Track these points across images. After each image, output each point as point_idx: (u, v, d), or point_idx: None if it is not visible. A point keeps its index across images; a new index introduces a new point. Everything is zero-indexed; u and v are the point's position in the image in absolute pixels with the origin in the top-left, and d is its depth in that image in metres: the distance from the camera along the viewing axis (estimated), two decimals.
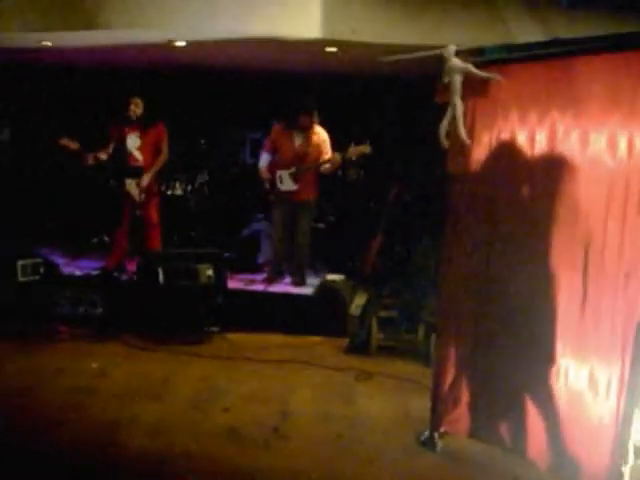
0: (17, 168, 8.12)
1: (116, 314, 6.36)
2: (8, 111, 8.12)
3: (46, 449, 3.98)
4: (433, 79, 3.89)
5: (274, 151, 7.18)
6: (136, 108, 7.13)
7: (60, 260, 7.42)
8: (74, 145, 7.05)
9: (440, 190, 4.17)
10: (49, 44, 7.04)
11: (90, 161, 7.11)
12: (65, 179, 8.36)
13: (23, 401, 4.66)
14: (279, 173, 7.08)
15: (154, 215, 7.32)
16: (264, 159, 7.22)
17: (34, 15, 5.93)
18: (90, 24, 6.08)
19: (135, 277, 6.74)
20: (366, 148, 6.84)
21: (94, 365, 5.41)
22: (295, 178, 7.02)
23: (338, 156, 6.93)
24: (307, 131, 7.02)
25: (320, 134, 7.06)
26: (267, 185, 7.17)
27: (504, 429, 3.89)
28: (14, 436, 4.10)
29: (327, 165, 7.00)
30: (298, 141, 7.06)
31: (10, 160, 8.53)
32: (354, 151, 6.87)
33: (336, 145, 7.03)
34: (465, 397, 4.09)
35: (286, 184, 7.06)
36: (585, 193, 3.40)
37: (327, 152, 7.02)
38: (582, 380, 3.48)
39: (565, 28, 4.50)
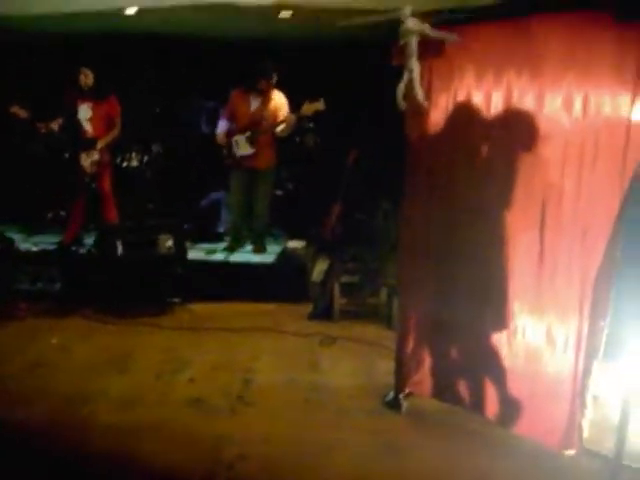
0: None
1: (75, 289, 6.28)
2: None
3: (13, 429, 3.94)
4: (389, 42, 3.87)
5: (232, 118, 7.12)
6: (86, 79, 6.97)
7: (16, 236, 7.28)
8: (24, 113, 6.88)
9: (398, 153, 4.17)
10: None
11: (42, 129, 6.96)
12: (18, 152, 8.16)
13: None
14: (235, 138, 7.03)
15: (107, 186, 7.20)
16: (222, 126, 7.17)
17: None
18: None
19: (93, 250, 6.65)
20: (320, 105, 6.79)
21: (54, 341, 5.35)
22: (251, 142, 6.97)
23: (292, 116, 6.89)
24: (264, 95, 6.96)
25: (278, 98, 7.01)
26: (225, 151, 7.11)
27: (463, 389, 3.97)
28: None
29: (282, 126, 6.94)
30: (255, 104, 7.01)
31: None
32: (308, 108, 6.82)
33: (293, 107, 6.98)
34: (427, 359, 4.15)
35: (242, 148, 7.02)
36: (542, 152, 3.44)
37: (284, 115, 6.97)
38: (540, 336, 3.56)
39: None
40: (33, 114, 6.92)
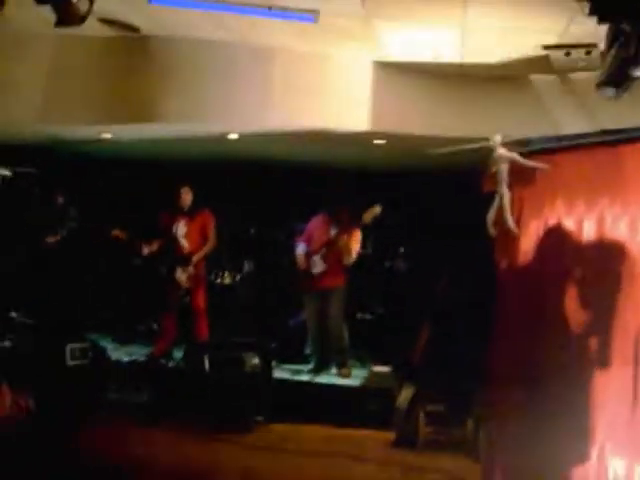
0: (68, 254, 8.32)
1: (162, 401, 6.33)
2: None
3: None
4: (479, 171, 3.92)
5: (310, 240, 7.28)
6: (186, 196, 7.31)
7: (108, 345, 7.48)
8: (124, 235, 7.27)
9: (489, 282, 4.13)
10: (108, 136, 7.31)
11: (146, 251, 7.29)
12: (115, 267, 8.52)
13: None
14: (312, 259, 7.17)
15: (201, 302, 7.39)
16: (301, 247, 7.34)
17: (93, 109, 6.18)
18: (148, 117, 6.32)
19: (181, 364, 6.74)
20: (377, 209, 6.90)
21: (138, 451, 5.35)
22: (324, 258, 7.08)
23: (357, 231, 7.04)
24: (344, 224, 7.10)
25: (355, 235, 7.12)
26: (301, 274, 7.26)
27: None
28: None
29: (354, 249, 7.06)
30: (333, 231, 7.14)
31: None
32: (367, 216, 6.93)
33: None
34: None
35: (318, 266, 7.13)
36: (635, 283, 3.32)
37: (355, 246, 7.10)
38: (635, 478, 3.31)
39: (611, 119, 4.50)
40: (132, 236, 7.29)
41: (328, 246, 7.11)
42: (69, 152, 8.37)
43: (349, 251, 7.04)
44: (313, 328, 7.36)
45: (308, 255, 7.25)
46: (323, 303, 7.19)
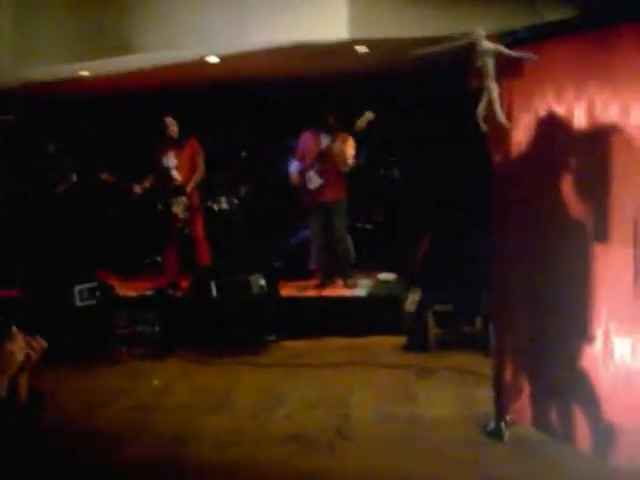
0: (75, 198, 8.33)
1: (173, 331, 6.43)
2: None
3: (114, 467, 4.04)
4: (465, 67, 3.85)
5: (302, 158, 7.23)
6: (172, 127, 7.25)
7: (115, 282, 7.54)
8: (114, 179, 7.26)
9: (485, 178, 4.11)
10: (86, 74, 7.17)
11: (137, 190, 7.28)
12: (114, 205, 8.51)
13: (89, 421, 4.75)
14: (307, 174, 7.12)
15: (200, 230, 7.43)
16: (294, 166, 7.31)
17: (67, 46, 6.05)
18: (125, 49, 6.19)
19: (189, 293, 6.81)
20: (369, 115, 6.84)
21: (155, 382, 5.48)
22: (320, 173, 7.04)
23: (350, 138, 6.99)
24: (334, 133, 7.03)
25: (346, 139, 7.05)
26: (299, 190, 7.24)
27: (560, 418, 3.80)
28: (82, 455, 4.16)
29: (360, 123, 6.95)
30: (325, 142, 7.08)
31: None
32: (360, 122, 6.87)
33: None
34: (526, 386, 4.02)
35: (314, 181, 7.11)
36: (630, 165, 3.31)
37: (350, 151, 7.05)
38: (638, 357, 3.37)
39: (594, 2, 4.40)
40: (121, 178, 7.27)
41: (321, 158, 7.05)
42: (47, 95, 8.22)
43: (344, 157, 6.99)
44: (319, 242, 7.37)
45: (302, 172, 7.21)
46: (327, 217, 7.20)
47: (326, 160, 7.03)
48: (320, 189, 7.11)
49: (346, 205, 7.24)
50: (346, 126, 7.00)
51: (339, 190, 7.16)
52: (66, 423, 4.55)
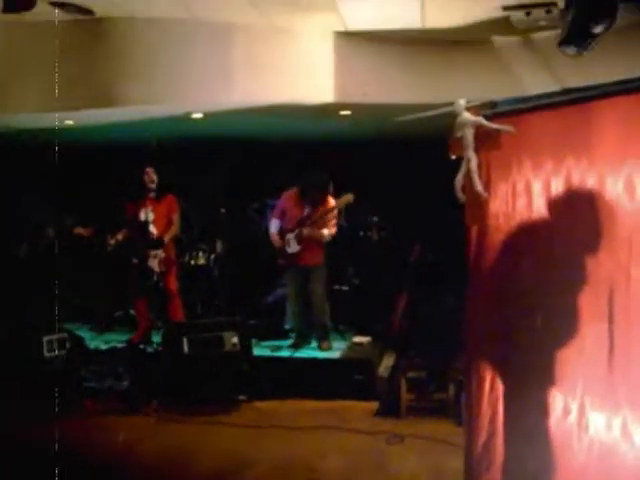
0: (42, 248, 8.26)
1: (143, 386, 6.31)
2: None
3: None
4: (446, 136, 3.90)
5: (282, 217, 7.24)
6: (152, 176, 7.26)
7: (86, 335, 7.43)
8: (88, 232, 7.22)
9: (460, 246, 4.13)
10: (71, 123, 7.19)
11: (111, 243, 7.23)
12: (87, 257, 8.45)
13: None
14: (287, 237, 7.13)
15: (173, 285, 7.37)
16: (274, 225, 7.29)
17: (52, 95, 6.06)
18: (108, 102, 6.21)
19: (160, 348, 6.71)
20: (349, 197, 6.95)
21: (121, 438, 5.34)
22: (298, 239, 7.05)
23: (322, 213, 7.03)
24: (319, 203, 7.07)
25: (329, 203, 7.09)
26: (278, 251, 7.22)
27: None
28: None
29: (325, 231, 7.04)
30: (307, 210, 7.10)
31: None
32: (339, 203, 7.02)
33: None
34: (498, 458, 3.96)
35: (292, 246, 7.11)
36: (606, 239, 3.34)
37: (332, 220, 7.09)
38: (614, 432, 3.35)
39: (573, 77, 4.51)
40: (96, 230, 7.24)
41: (302, 224, 7.07)
42: (28, 141, 8.21)
43: (323, 234, 7.04)
44: (295, 304, 7.35)
45: (282, 232, 7.21)
46: (305, 280, 7.17)
47: (304, 225, 7.04)
48: (298, 254, 7.11)
49: (325, 269, 7.24)
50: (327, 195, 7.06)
51: (317, 255, 7.16)
52: None
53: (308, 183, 7.10)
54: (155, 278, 7.20)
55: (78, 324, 7.83)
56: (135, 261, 7.22)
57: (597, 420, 3.40)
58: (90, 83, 6.08)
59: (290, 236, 7.11)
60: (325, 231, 7.04)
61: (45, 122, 6.96)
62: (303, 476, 4.63)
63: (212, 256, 8.53)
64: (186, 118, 7.08)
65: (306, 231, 6.98)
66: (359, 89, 5.98)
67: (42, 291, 7.79)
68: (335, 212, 7.11)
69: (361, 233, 8.57)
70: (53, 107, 6.09)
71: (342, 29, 5.92)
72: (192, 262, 8.40)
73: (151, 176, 7.27)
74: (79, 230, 7.26)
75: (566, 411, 3.53)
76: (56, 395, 5.86)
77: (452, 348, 5.74)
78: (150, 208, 7.28)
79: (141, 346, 7.06)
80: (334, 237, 7.15)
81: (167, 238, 7.29)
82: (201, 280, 8.36)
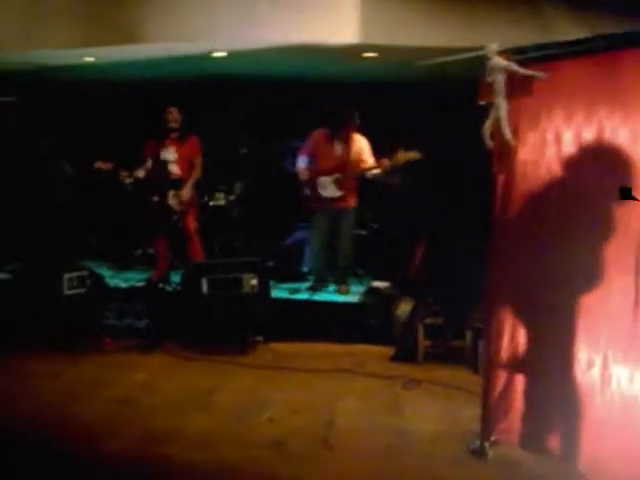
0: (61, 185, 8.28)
1: (161, 325, 6.38)
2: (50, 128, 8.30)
3: (92, 461, 3.98)
4: (475, 81, 3.81)
5: (313, 156, 7.17)
6: (175, 115, 7.17)
7: (106, 273, 7.48)
8: (108, 167, 7.16)
9: (485, 193, 4.07)
10: (92, 59, 7.12)
11: (126, 180, 7.19)
12: (109, 194, 8.45)
13: (70, 412, 4.68)
14: (321, 179, 7.07)
15: (192, 225, 7.36)
16: (302, 161, 7.25)
17: (75, 31, 5.99)
18: (131, 38, 6.13)
19: (179, 288, 6.75)
20: (415, 155, 6.79)
21: (140, 376, 5.42)
22: (339, 185, 7.01)
23: (387, 162, 6.88)
24: (347, 140, 7.00)
25: (360, 141, 7.05)
26: (307, 189, 7.16)
27: (554, 439, 3.77)
28: (61, 447, 4.11)
29: (376, 171, 6.96)
30: (339, 149, 7.05)
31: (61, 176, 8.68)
32: (402, 156, 6.82)
33: (380, 150, 6.98)
34: (516, 405, 3.98)
35: (329, 191, 7.07)
36: (636, 191, 3.28)
37: (368, 159, 7.01)
38: (637, 385, 3.35)
39: (607, 24, 4.38)
40: (117, 165, 7.19)
41: (339, 166, 7.01)
42: (52, 79, 8.16)
43: (363, 168, 7.01)
44: (319, 245, 7.33)
45: (313, 172, 7.14)
46: (333, 221, 7.16)
47: (345, 169, 6.97)
48: (335, 197, 7.07)
49: (356, 211, 7.21)
50: (383, 154, 6.97)
51: (352, 198, 7.15)
52: (43, 412, 4.50)
53: (333, 117, 7.03)
54: (175, 218, 7.20)
55: (98, 262, 7.85)
56: (155, 199, 7.20)
57: (620, 373, 3.40)
58: (112, 19, 6.01)
59: (327, 179, 7.07)
60: (375, 167, 6.98)
61: (67, 59, 6.90)
62: (320, 418, 4.66)
63: (231, 197, 8.51)
64: (208, 56, 6.98)
65: (350, 175, 6.95)
66: (385, 31, 5.85)
67: (62, 228, 7.85)
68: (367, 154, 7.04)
69: (382, 178, 8.49)
70: (76, 43, 6.02)
71: None
72: (211, 202, 8.39)
73: (175, 115, 7.20)
74: (99, 164, 7.21)
75: (590, 364, 3.53)
76: (76, 332, 5.98)
77: (470, 296, 5.74)
78: (173, 148, 7.23)
79: (160, 285, 7.11)
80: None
81: (189, 183, 7.25)
82: (220, 221, 8.36)
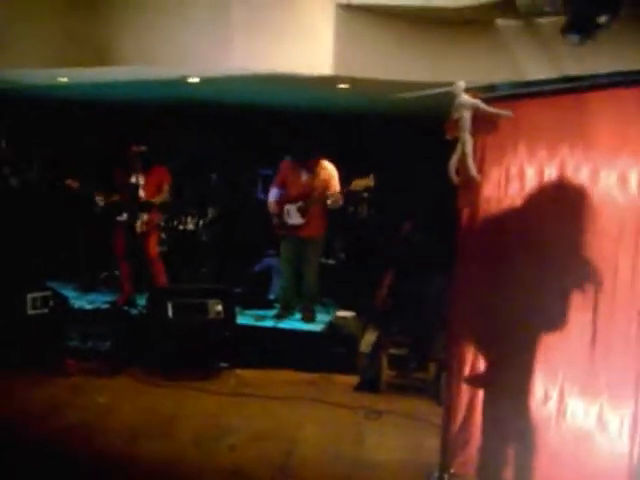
0: (30, 199, 8.22)
1: (125, 348, 6.32)
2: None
3: None
4: (442, 116, 3.89)
5: (283, 186, 7.23)
6: (136, 161, 7.17)
7: (70, 294, 7.41)
8: (77, 185, 7.16)
9: (451, 226, 4.14)
10: (64, 80, 7.11)
11: (100, 203, 7.17)
12: (75, 214, 8.41)
13: (25, 434, 4.63)
14: (286, 207, 7.12)
15: (153, 248, 7.34)
16: (273, 194, 7.30)
17: (49, 51, 5.99)
18: (105, 60, 6.14)
19: (144, 311, 6.72)
20: (369, 181, 6.87)
21: (101, 400, 5.37)
22: (302, 212, 7.06)
23: (338, 194, 6.98)
24: (314, 167, 7.07)
25: (327, 169, 7.11)
26: (275, 219, 7.21)
27: (509, 472, 3.80)
28: (19, 469, 4.05)
29: (330, 201, 7.00)
30: (304, 176, 7.11)
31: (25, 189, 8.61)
32: (357, 183, 6.92)
33: (343, 180, 7.06)
34: (474, 438, 4.01)
35: (293, 218, 7.11)
36: (595, 229, 3.36)
37: (335, 186, 7.06)
38: (591, 419, 3.40)
39: (575, 65, 4.50)
40: (84, 187, 7.18)
41: (304, 194, 7.07)
42: (23, 97, 8.13)
43: (327, 195, 7.01)
44: (286, 273, 7.35)
45: (282, 201, 7.20)
46: (301, 250, 7.18)
47: (309, 196, 7.03)
48: (300, 225, 7.12)
49: (323, 240, 7.25)
50: (343, 179, 7.05)
51: (318, 226, 7.17)
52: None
53: (297, 150, 7.12)
54: (137, 241, 7.17)
55: (63, 283, 7.77)
56: (121, 221, 7.17)
57: (576, 407, 3.45)
58: (86, 41, 5.99)
59: (291, 207, 7.12)
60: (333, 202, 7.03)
61: (40, 79, 6.88)
62: (281, 446, 4.66)
63: (201, 222, 8.51)
64: (182, 82, 7.01)
65: (312, 202, 6.98)
66: (358, 63, 5.93)
67: (29, 243, 7.77)
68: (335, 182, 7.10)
69: (350, 208, 8.56)
70: (49, 63, 6.02)
71: (344, 1, 5.85)
72: (180, 227, 8.38)
73: (138, 151, 7.20)
74: (69, 182, 7.18)
75: (547, 397, 3.58)
76: (38, 353, 5.90)
77: (435, 327, 5.79)
78: (140, 174, 7.23)
79: (125, 308, 7.06)
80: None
81: (156, 201, 7.25)
82: (188, 245, 8.34)
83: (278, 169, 7.37)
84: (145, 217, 7.17)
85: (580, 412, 3.45)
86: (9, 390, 5.37)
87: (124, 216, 7.16)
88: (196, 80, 6.97)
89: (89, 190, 7.20)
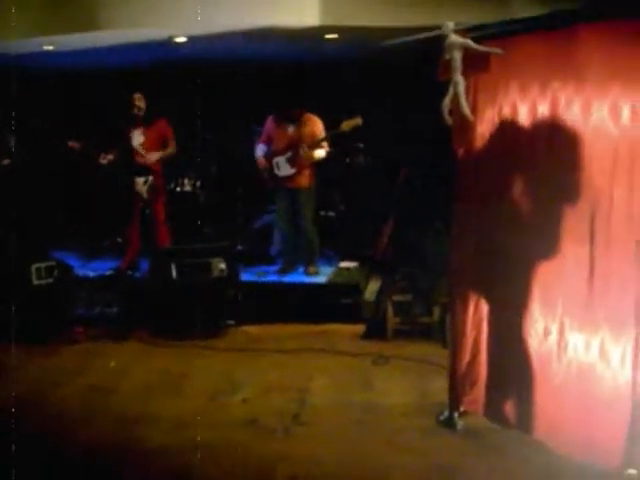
0: (28, 172, 8.18)
1: (132, 313, 6.38)
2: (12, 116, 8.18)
3: (69, 448, 4.01)
4: (434, 60, 3.87)
5: (269, 141, 7.24)
6: (139, 103, 7.13)
7: (74, 262, 7.45)
8: (79, 146, 7.11)
9: (448, 169, 4.15)
10: (50, 48, 7.05)
11: (103, 161, 7.15)
12: (76, 181, 8.40)
13: (42, 401, 4.70)
14: (275, 160, 7.14)
15: (161, 212, 7.36)
16: (260, 149, 7.32)
17: (34, 19, 5.94)
18: (91, 25, 6.09)
19: (148, 274, 6.76)
20: (358, 120, 6.85)
21: (112, 364, 5.44)
22: (292, 163, 7.06)
23: (324, 138, 7.02)
24: (298, 119, 7.06)
25: (312, 119, 7.10)
26: (265, 174, 7.23)
27: (513, 408, 3.87)
28: (37, 437, 4.13)
29: (320, 151, 7.00)
30: (290, 129, 7.11)
31: (21, 165, 8.57)
32: (347, 124, 6.89)
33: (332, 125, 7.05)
34: (481, 377, 4.08)
35: (284, 170, 7.13)
36: (589, 162, 3.37)
37: (320, 134, 7.09)
38: (593, 352, 3.44)
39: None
40: (87, 146, 7.13)
41: (291, 145, 7.06)
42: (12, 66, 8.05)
43: (314, 144, 7.02)
44: (283, 227, 7.37)
45: (270, 156, 7.19)
46: (293, 203, 7.20)
47: (297, 147, 7.02)
48: (290, 176, 7.11)
49: (314, 191, 7.26)
50: (330, 125, 7.02)
51: (308, 177, 7.16)
52: (18, 402, 4.49)
53: (281, 102, 7.15)
54: (142, 204, 7.19)
55: (66, 252, 7.80)
56: (124, 185, 7.17)
57: (576, 341, 3.50)
58: (71, 6, 5.94)
59: (280, 159, 7.12)
60: (322, 151, 7.05)
61: (27, 47, 6.82)
62: (292, 397, 4.73)
63: (198, 182, 8.50)
64: (169, 42, 6.95)
65: (302, 151, 6.97)
66: (345, 12, 5.88)
67: (31, 213, 7.78)
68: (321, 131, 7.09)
69: (347, 159, 8.54)
70: (35, 32, 5.97)
71: None
72: (178, 189, 8.37)
73: (140, 102, 7.16)
74: (72, 143, 7.16)
75: (546, 332, 3.63)
76: (46, 322, 5.95)
77: (437, 272, 5.84)
78: (139, 131, 7.20)
79: (129, 272, 7.10)
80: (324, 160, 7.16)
81: (157, 156, 7.21)
82: (187, 207, 8.34)
83: (263, 125, 7.36)
84: (150, 180, 7.16)
85: (581, 346, 3.49)
86: (20, 360, 5.42)
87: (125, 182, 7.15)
88: (183, 39, 6.92)
89: (92, 150, 7.17)
